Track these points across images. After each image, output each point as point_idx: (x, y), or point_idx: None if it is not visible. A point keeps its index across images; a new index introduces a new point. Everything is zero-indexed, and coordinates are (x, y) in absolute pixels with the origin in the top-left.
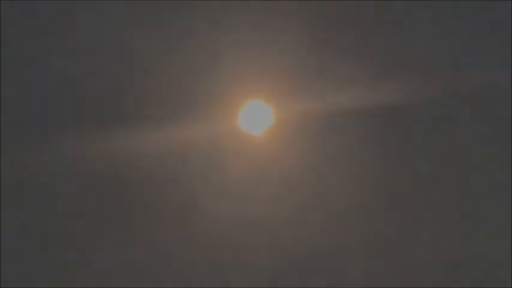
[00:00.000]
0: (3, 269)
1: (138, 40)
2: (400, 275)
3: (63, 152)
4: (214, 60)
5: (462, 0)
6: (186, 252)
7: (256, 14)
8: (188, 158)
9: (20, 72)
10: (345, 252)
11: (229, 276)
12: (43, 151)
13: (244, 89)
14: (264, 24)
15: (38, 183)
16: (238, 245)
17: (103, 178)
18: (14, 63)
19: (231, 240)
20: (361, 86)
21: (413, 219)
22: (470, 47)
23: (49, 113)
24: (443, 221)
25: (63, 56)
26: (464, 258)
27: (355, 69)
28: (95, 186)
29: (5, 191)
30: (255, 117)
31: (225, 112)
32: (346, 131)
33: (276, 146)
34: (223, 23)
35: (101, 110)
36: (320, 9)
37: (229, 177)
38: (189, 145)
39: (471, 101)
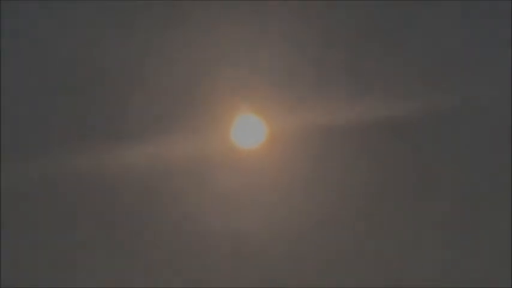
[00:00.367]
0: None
1: (130, 54)
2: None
3: (58, 165)
4: (207, 74)
5: (457, 17)
6: (179, 265)
7: (250, 28)
8: (181, 171)
9: (18, 86)
10: (340, 265)
11: (223, 285)
12: (36, 165)
13: (237, 103)
14: (257, 38)
15: (33, 196)
16: (231, 257)
17: (96, 191)
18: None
19: (224, 253)
20: (355, 100)
21: (410, 230)
22: (466, 62)
23: (43, 127)
24: (442, 231)
25: (58, 65)
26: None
27: (349, 83)
28: (89, 199)
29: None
30: (248, 131)
31: (218, 126)
32: (339, 145)
33: (269, 160)
34: (217, 37)
35: (93, 124)
36: (315, 24)
37: (222, 190)
38: (182, 159)
39: (467, 115)
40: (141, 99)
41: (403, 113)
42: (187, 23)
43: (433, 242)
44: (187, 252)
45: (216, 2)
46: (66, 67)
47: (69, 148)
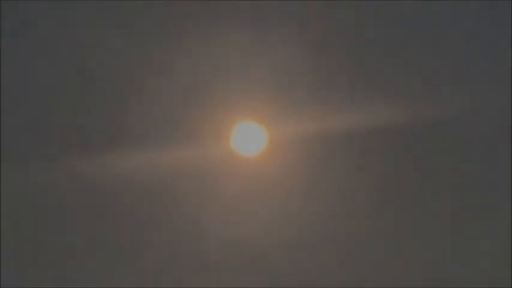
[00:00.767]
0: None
1: (131, 60)
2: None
3: (58, 169)
4: (208, 81)
5: (456, 25)
6: (180, 271)
7: (250, 36)
8: (181, 178)
9: (19, 86)
10: (340, 270)
11: None
12: (37, 167)
13: (238, 111)
14: (258, 46)
15: (34, 198)
16: (231, 264)
17: (96, 197)
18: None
19: (225, 259)
20: (355, 107)
21: (410, 236)
22: (464, 70)
23: (43, 130)
24: (442, 235)
25: (59, 68)
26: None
27: (349, 90)
28: (89, 204)
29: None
30: (249, 139)
31: (218, 134)
32: (339, 152)
33: (269, 167)
34: (217, 45)
35: (94, 131)
36: (314, 32)
37: (223, 197)
38: (182, 166)
39: (467, 120)
40: (142, 106)
41: (403, 119)
42: (188, 31)
43: (433, 245)
44: (188, 259)
45: (216, 10)
46: (67, 72)
47: (69, 154)
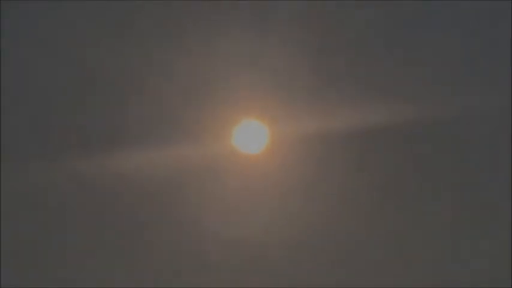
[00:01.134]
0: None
1: (131, 59)
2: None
3: (58, 169)
4: (209, 80)
5: (456, 25)
6: (180, 269)
7: (252, 34)
8: (183, 176)
9: (19, 86)
10: (342, 269)
11: None
12: (40, 170)
13: (239, 109)
14: (259, 45)
15: (37, 201)
16: (232, 262)
17: (96, 195)
18: (14, 80)
19: (226, 258)
20: (357, 106)
21: (411, 235)
22: (464, 70)
23: (45, 133)
24: (442, 234)
25: (62, 68)
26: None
27: (351, 90)
28: (89, 203)
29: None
30: (250, 137)
31: (220, 132)
32: (341, 150)
33: (271, 166)
34: (218, 43)
35: (94, 129)
36: (316, 30)
37: (225, 195)
38: (184, 164)
39: (465, 123)
40: (143, 105)
41: (406, 119)
42: (189, 29)
43: (434, 245)
44: (189, 257)
45: (217, 8)
46: (67, 70)
47: (69, 153)
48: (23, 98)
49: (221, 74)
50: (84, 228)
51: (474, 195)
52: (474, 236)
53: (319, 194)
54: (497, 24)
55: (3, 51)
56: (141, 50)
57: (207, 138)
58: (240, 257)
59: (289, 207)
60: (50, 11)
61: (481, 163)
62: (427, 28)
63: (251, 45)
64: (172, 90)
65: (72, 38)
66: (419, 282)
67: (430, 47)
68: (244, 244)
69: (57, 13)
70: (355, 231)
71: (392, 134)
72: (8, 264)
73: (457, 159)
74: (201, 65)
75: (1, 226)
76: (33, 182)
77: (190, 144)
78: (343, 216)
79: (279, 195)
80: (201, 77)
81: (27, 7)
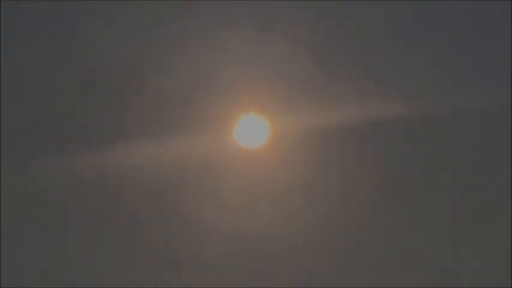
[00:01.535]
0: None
1: (131, 54)
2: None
3: (61, 165)
4: (210, 74)
5: (455, 25)
6: (180, 264)
7: (253, 30)
8: (185, 170)
9: (20, 85)
10: (338, 265)
11: (226, 285)
12: (40, 164)
13: (240, 103)
14: (260, 39)
15: (37, 195)
16: (232, 257)
17: (97, 191)
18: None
19: (226, 252)
20: (358, 101)
21: (411, 231)
22: (464, 69)
23: (46, 126)
24: (442, 232)
25: (62, 67)
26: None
27: (352, 84)
28: (89, 200)
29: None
30: (251, 131)
31: (221, 125)
32: (342, 145)
33: (272, 160)
34: (220, 38)
35: (95, 125)
36: (317, 25)
37: (226, 190)
38: (185, 158)
39: (465, 123)
40: (143, 100)
41: (407, 115)
42: (190, 23)
43: (434, 242)
44: (189, 252)
45: (218, 2)
46: (67, 67)
47: (70, 149)
48: (22, 97)
49: (222, 68)
50: (83, 226)
51: (474, 195)
52: (474, 236)
53: (319, 189)
54: (497, 24)
55: (3, 51)
56: (142, 43)
57: (207, 133)
58: (240, 250)
59: (289, 201)
60: (49, 11)
61: (481, 163)
62: (427, 27)
63: (253, 38)
64: (172, 85)
65: (72, 38)
66: (419, 282)
67: (430, 47)
68: (244, 238)
69: (57, 13)
70: (355, 226)
71: (395, 128)
72: (8, 264)
73: (457, 159)
74: (201, 60)
75: (1, 226)
76: (33, 181)
77: (191, 138)
78: (342, 210)
79: (279, 189)
80: (201, 72)
81: (27, 7)
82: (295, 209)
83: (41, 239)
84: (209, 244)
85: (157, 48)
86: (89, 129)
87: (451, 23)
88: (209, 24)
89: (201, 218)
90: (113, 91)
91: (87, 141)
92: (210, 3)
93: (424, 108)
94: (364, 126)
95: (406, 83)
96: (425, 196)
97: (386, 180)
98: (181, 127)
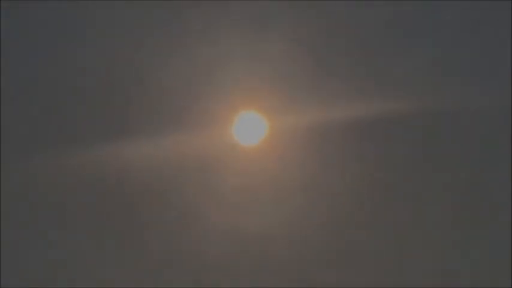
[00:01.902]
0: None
1: (131, 52)
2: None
3: (59, 164)
4: (209, 71)
5: (456, 25)
6: (180, 263)
7: (251, 27)
8: (183, 168)
9: (20, 85)
10: (337, 263)
11: (225, 284)
12: (40, 163)
13: (238, 100)
14: (258, 37)
15: (37, 194)
16: (231, 255)
17: (97, 189)
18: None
19: (225, 250)
20: (356, 99)
21: (410, 228)
22: (464, 69)
23: (46, 126)
24: (442, 231)
25: (61, 67)
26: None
27: (350, 81)
28: (89, 197)
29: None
30: (249, 128)
31: (219, 123)
32: (340, 142)
33: (270, 157)
34: (218, 36)
35: (95, 122)
36: (315, 23)
37: (224, 187)
38: (183, 155)
39: (465, 122)
40: (142, 97)
41: (406, 114)
42: (189, 21)
43: (433, 242)
44: (188, 250)
45: (218, 2)
46: (67, 65)
47: (70, 146)
48: (22, 97)
49: (220, 66)
50: (83, 225)
51: (474, 194)
52: (474, 236)
53: (317, 187)
54: (497, 24)
55: (3, 51)
56: (141, 40)
57: (206, 131)
58: (239, 248)
59: (288, 199)
60: (49, 11)
61: (481, 162)
62: (427, 27)
63: (251, 36)
64: (171, 83)
65: (72, 37)
66: (419, 282)
67: (430, 47)
68: (242, 236)
69: (57, 13)
70: (354, 224)
71: (393, 126)
72: (8, 264)
73: (457, 158)
74: (199, 58)
75: (1, 226)
76: (33, 180)
77: (190, 136)
78: (341, 208)
79: (277, 187)
80: (200, 68)
81: (27, 7)
82: (293, 206)
83: (41, 238)
84: (207, 241)
85: (155, 47)
86: (88, 127)
87: (451, 22)
88: (207, 22)
89: (199, 216)
90: (111, 89)
91: (85, 139)
92: (210, 3)
93: (424, 107)
94: (363, 124)
95: (406, 82)
96: (425, 195)
97: (385, 179)
98: (179, 125)
